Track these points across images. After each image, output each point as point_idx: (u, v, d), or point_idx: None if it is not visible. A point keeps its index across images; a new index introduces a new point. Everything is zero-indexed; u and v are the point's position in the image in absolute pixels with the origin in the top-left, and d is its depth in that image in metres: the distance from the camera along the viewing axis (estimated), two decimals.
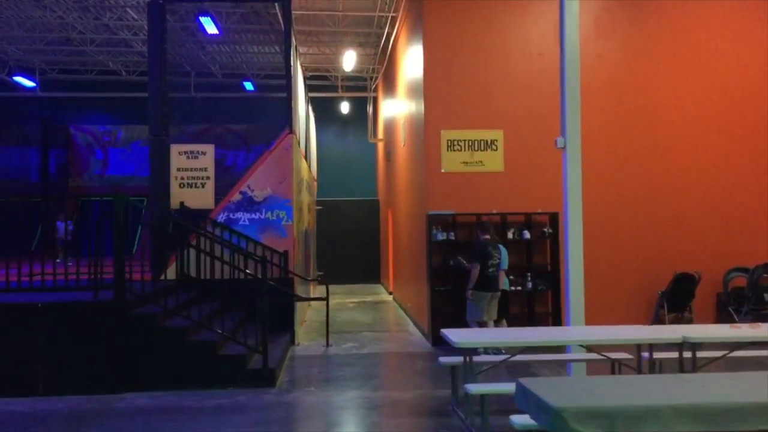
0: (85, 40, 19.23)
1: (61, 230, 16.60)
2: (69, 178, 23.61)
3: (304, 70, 19.82)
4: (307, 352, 10.58)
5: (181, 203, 10.94)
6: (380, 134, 21.48)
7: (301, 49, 18.99)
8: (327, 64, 22.30)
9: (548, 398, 3.54)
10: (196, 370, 8.06)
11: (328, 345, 10.99)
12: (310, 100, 20.79)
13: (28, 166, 22.17)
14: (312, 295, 17.09)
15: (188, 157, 11.09)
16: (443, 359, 7.03)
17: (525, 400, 3.83)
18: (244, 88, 22.09)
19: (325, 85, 23.27)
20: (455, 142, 11.23)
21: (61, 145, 23.47)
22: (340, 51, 19.76)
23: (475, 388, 5.96)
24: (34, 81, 21.73)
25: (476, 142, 11.27)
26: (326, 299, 11.36)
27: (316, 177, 21.59)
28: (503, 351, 8.42)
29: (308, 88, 20.37)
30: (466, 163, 11.24)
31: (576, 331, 6.95)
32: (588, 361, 7.24)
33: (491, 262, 9.67)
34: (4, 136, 21.81)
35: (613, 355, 6.73)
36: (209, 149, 11.16)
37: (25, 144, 22.31)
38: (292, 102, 11.54)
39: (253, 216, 11.08)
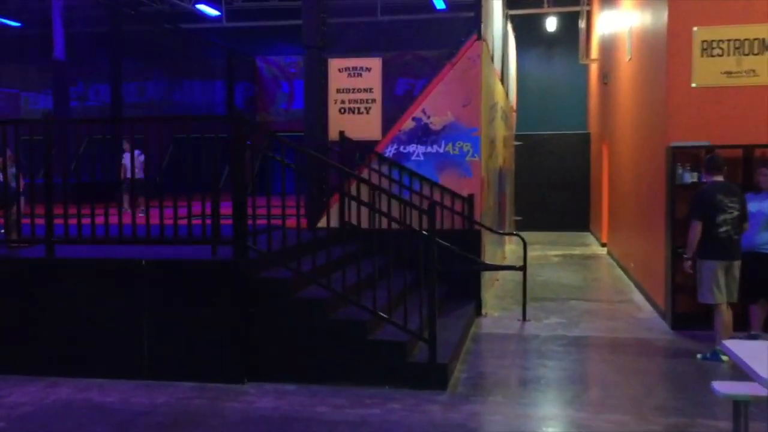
0: None
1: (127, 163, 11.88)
2: (257, 113, 22.69)
3: None
4: (497, 329, 8.04)
5: (341, 133, 8.71)
6: (594, 53, 17.89)
7: None
8: None
9: None
10: (337, 360, 5.86)
11: (524, 319, 8.37)
12: (510, 18, 17.71)
13: (214, 100, 21.45)
14: (506, 247, 14.46)
15: (350, 75, 8.78)
16: (721, 388, 4.12)
17: None
18: (434, 6, 19.41)
19: (526, 1, 19.94)
20: (714, 44, 7.84)
21: (248, 77, 22.53)
22: None
23: None
24: (219, 10, 20.69)
25: (746, 42, 7.80)
26: (523, 268, 8.64)
27: (515, 107, 18.60)
28: None
29: (507, 3, 17.29)
30: (730, 73, 7.83)
31: None
32: None
33: (723, 217, 6.44)
34: (189, 69, 21.17)
35: None
36: (375, 64, 8.76)
37: (211, 77, 21.60)
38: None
39: (429, 149, 8.59)
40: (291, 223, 7.10)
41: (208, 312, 5.97)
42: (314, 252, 6.68)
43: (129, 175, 10.11)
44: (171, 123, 8.42)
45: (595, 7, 17.94)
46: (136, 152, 9.98)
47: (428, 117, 8.58)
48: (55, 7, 15.08)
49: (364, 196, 8.40)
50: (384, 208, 6.77)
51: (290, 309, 5.96)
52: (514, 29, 18.37)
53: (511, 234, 8.60)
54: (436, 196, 8.48)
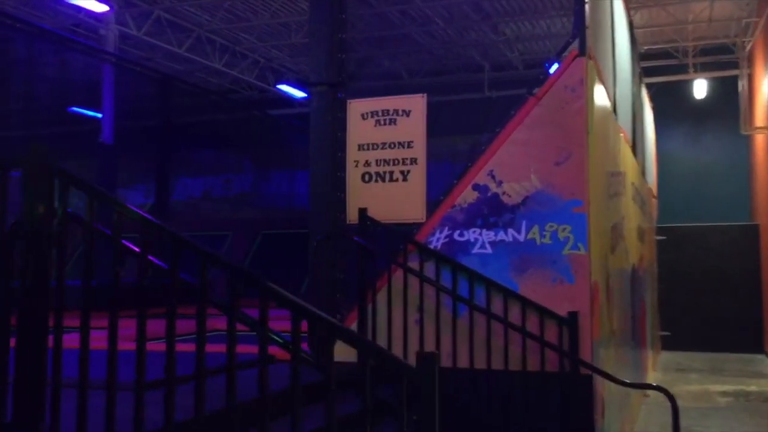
0: None
1: None
2: None
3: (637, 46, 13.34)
4: None
5: (361, 212, 5.54)
6: (760, 120, 13.86)
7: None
8: (669, 32, 15.46)
9: None
10: None
11: None
12: (647, 88, 14.24)
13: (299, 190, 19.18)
14: (650, 374, 10.42)
15: (379, 122, 5.68)
16: None
17: None
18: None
19: (666, 66, 16.36)
20: None
21: None
22: (691, 5, 12.98)
23: None
24: (305, 91, 18.61)
25: None
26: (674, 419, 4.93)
27: (655, 192, 14.73)
28: None
29: (641, 69, 13.86)
30: None
31: None
32: None
33: None
34: (275, 157, 19.13)
35: None
36: (417, 104, 5.62)
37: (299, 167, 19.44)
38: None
39: (502, 236, 5.20)
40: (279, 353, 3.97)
41: None
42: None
43: None
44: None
45: (758, 68, 14.09)
46: None
47: (499, 183, 5.25)
48: (105, 92, 13.34)
49: (398, 310, 5.24)
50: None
51: None
52: (652, 100, 14.81)
53: (650, 387, 5.07)
54: (513, 315, 5.04)
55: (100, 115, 13.48)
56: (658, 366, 12.62)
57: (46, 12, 13.69)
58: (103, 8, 12.76)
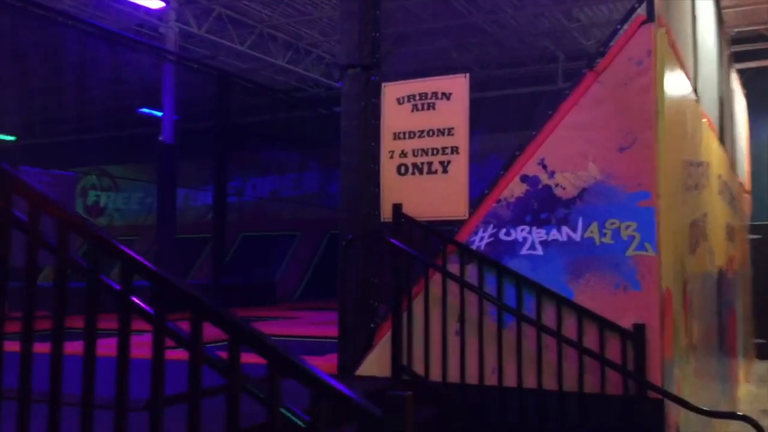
0: None
1: None
2: None
3: (725, 27, 12.10)
4: None
5: (396, 208, 4.92)
6: None
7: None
8: (764, 12, 14.12)
9: None
10: None
11: None
12: (738, 74, 13.02)
13: None
14: (741, 386, 9.36)
15: (416, 108, 5.05)
16: None
17: None
18: None
19: (760, 50, 14.99)
20: None
21: None
22: None
23: None
24: None
25: None
26: None
27: (747, 187, 13.45)
28: None
29: (731, 52, 12.66)
30: None
31: None
32: None
33: None
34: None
35: None
36: (458, 86, 4.95)
37: None
38: None
39: (554, 235, 4.48)
40: (319, 364, 3.49)
41: None
42: None
43: None
44: None
45: None
46: None
47: (551, 174, 4.53)
48: (165, 91, 13.22)
49: (436, 319, 4.64)
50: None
51: None
52: (743, 86, 13.54)
53: (734, 416, 4.22)
54: (568, 327, 4.32)
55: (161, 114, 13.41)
56: (751, 376, 11.43)
57: (108, 13, 13.67)
58: (158, 4, 12.59)
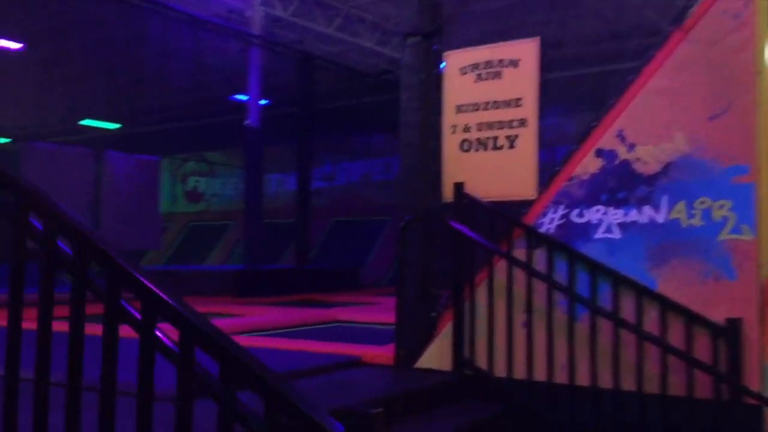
0: None
1: None
2: None
3: None
4: None
5: (457, 187, 4.50)
6: None
7: None
8: None
9: None
10: None
11: None
12: None
13: None
14: None
15: (480, 77, 4.60)
16: None
17: None
18: None
19: None
20: None
21: None
22: None
23: None
24: None
25: None
26: None
27: None
28: None
29: None
30: None
31: None
32: None
33: None
34: None
35: None
36: (527, 52, 4.46)
37: None
38: None
39: (634, 216, 3.95)
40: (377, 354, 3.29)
41: None
42: None
43: None
44: None
45: None
46: None
47: (630, 147, 3.99)
48: (251, 76, 13.24)
49: (501, 309, 4.24)
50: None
51: None
52: None
53: None
54: (650, 321, 3.80)
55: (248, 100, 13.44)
56: None
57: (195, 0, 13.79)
58: None
